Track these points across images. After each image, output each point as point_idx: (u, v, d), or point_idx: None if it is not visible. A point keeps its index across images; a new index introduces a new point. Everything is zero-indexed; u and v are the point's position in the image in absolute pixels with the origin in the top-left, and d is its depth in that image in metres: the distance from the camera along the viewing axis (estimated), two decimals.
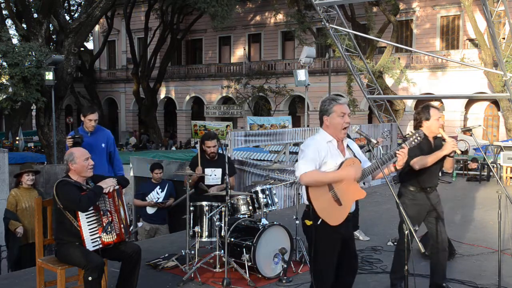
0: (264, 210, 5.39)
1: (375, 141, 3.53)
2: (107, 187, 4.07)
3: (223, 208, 5.09)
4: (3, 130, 29.68)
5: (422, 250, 3.25)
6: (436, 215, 4.57)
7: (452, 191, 11.10)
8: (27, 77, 15.56)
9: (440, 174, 4.93)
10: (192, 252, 5.31)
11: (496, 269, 4.55)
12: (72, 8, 34.19)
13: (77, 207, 3.93)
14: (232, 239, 5.19)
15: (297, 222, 5.64)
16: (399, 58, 25.84)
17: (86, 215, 3.98)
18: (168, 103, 37.62)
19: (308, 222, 3.40)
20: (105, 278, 4.13)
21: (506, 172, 12.15)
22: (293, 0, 25.69)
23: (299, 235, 5.65)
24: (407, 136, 3.61)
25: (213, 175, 5.83)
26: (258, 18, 33.96)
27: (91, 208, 4.00)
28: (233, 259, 5.10)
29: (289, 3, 26.12)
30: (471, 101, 26.43)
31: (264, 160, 14.91)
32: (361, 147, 3.74)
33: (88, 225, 3.98)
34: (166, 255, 5.78)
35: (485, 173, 12.96)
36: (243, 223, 5.39)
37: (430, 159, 4.36)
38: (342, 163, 3.45)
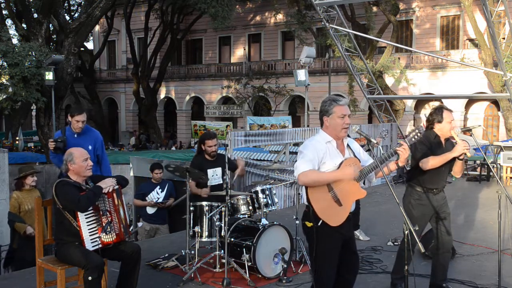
0: (264, 210, 5.39)
1: (375, 141, 3.53)
2: (106, 187, 4.07)
3: (223, 208, 5.09)
4: (3, 130, 29.69)
5: (422, 250, 3.24)
6: (442, 216, 4.56)
7: (452, 191, 11.09)
8: (27, 77, 15.57)
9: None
10: (192, 252, 5.31)
11: (496, 269, 4.54)
12: (72, 8, 34.19)
13: (76, 207, 3.92)
14: (232, 239, 5.19)
15: (297, 222, 5.64)
16: (399, 58, 25.84)
17: (85, 215, 3.98)
18: (168, 103, 37.62)
19: (309, 224, 3.39)
20: (105, 278, 4.13)
21: (506, 172, 12.14)
22: (293, 0, 25.69)
23: (299, 235, 5.65)
24: (407, 133, 3.61)
25: (214, 175, 5.83)
26: (258, 18, 33.96)
27: (91, 208, 4.00)
28: (233, 259, 5.10)
29: (289, 3, 26.12)
30: (471, 101, 26.42)
31: (264, 160, 14.92)
32: (362, 146, 3.73)
33: (88, 225, 3.98)
34: (166, 255, 5.78)
35: (485, 173, 12.96)
36: (243, 223, 5.39)
37: (439, 160, 4.35)
38: (341, 163, 3.45)
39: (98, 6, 17.03)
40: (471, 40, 26.24)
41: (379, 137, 7.72)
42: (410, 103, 26.98)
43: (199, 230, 5.18)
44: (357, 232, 6.70)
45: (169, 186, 7.73)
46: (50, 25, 22.46)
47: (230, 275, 4.94)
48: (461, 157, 4.34)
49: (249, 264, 5.00)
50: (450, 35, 27.83)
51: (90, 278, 3.75)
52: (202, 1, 22.63)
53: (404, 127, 25.34)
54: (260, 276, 5.05)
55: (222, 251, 5.08)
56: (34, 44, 16.27)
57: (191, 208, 5.23)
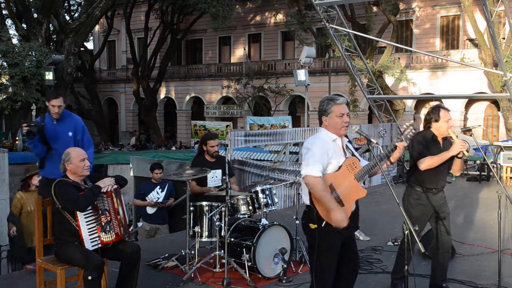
0: (264, 210, 5.39)
1: (375, 141, 3.53)
2: (105, 186, 4.07)
3: (223, 208, 5.09)
4: (3, 130, 29.66)
5: (422, 250, 3.25)
6: (442, 216, 4.56)
7: (452, 191, 11.09)
8: (27, 77, 15.57)
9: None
10: (192, 252, 5.31)
11: (496, 269, 4.54)
12: (72, 8, 34.17)
13: (75, 206, 3.93)
14: (232, 239, 5.19)
15: (297, 222, 5.63)
16: (399, 58, 25.84)
17: (84, 214, 3.98)
18: (168, 103, 37.62)
19: (313, 226, 3.38)
20: (105, 278, 4.13)
21: (506, 172, 12.14)
22: (293, 0, 25.69)
23: (299, 235, 5.65)
24: (402, 129, 3.62)
25: (214, 177, 5.82)
26: (258, 18, 33.96)
27: (90, 207, 4.00)
28: (233, 259, 5.10)
29: (289, 3, 26.12)
30: (471, 101, 26.43)
31: (264, 160, 14.91)
32: (356, 149, 3.72)
33: (87, 225, 3.98)
34: (166, 255, 5.78)
35: (485, 173, 12.96)
36: (243, 223, 5.39)
37: (437, 160, 4.34)
38: (342, 164, 3.45)
39: (98, 6, 17.03)
40: (471, 40, 26.24)
41: (377, 136, 7.72)
42: (410, 103, 26.98)
43: (199, 230, 5.18)
44: (356, 233, 6.68)
45: (169, 186, 7.73)
46: (50, 25, 22.46)
47: (230, 275, 4.94)
48: (459, 156, 4.34)
49: (249, 264, 5.00)
50: (450, 35, 27.83)
51: (90, 277, 3.75)
52: (203, 1, 22.64)
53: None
54: (260, 276, 5.05)
55: (222, 251, 5.08)
56: (34, 44, 16.28)
57: (191, 208, 5.23)
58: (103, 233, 4.00)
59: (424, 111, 26.06)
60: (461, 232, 7.08)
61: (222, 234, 5.08)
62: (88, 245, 3.95)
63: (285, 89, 30.11)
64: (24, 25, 20.07)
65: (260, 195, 5.39)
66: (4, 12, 22.36)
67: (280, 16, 29.17)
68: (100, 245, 4.00)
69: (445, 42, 27.97)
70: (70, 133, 5.32)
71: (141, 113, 34.09)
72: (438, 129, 4.46)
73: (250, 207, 5.38)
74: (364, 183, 3.66)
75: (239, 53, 34.57)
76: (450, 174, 4.67)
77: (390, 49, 23.93)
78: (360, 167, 3.50)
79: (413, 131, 3.53)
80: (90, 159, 5.30)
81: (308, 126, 15.12)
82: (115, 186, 4.18)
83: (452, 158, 4.38)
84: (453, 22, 27.68)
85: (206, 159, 5.87)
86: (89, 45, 40.90)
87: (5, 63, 16.43)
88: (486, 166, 12.64)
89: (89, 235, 3.97)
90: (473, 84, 24.30)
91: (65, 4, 30.29)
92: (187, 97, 35.66)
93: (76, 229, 3.95)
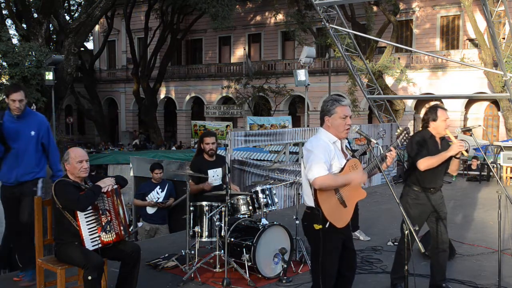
0: (264, 210, 5.39)
1: (375, 141, 3.53)
2: (105, 186, 4.07)
3: (223, 208, 5.09)
4: None
5: (422, 250, 3.25)
6: (439, 215, 4.56)
7: (452, 191, 11.10)
8: (27, 77, 15.56)
9: None
10: (192, 252, 5.31)
11: (496, 269, 4.54)
12: (72, 8, 34.17)
13: (76, 206, 3.93)
14: (232, 239, 5.19)
15: (297, 222, 5.64)
16: (399, 58, 25.83)
17: (85, 214, 3.98)
18: (168, 103, 37.63)
19: (317, 226, 3.38)
20: (105, 278, 4.13)
21: (506, 172, 12.15)
22: (293, 0, 25.69)
23: (299, 235, 5.65)
24: (396, 134, 3.65)
25: (215, 176, 5.82)
26: (258, 18, 33.96)
27: (90, 207, 4.00)
28: (233, 259, 5.10)
29: (289, 3, 26.13)
30: (471, 101, 26.43)
31: (264, 160, 14.91)
32: (353, 151, 3.73)
33: (87, 225, 3.98)
34: (166, 255, 5.78)
35: (485, 173, 12.96)
36: (243, 223, 5.39)
37: (436, 160, 4.34)
38: (345, 165, 3.46)
39: (98, 6, 17.02)
40: (471, 40, 26.24)
41: (375, 137, 7.72)
42: (410, 103, 26.98)
43: (199, 230, 5.18)
44: (356, 233, 6.70)
45: (169, 186, 7.73)
46: (50, 25, 22.44)
47: (230, 275, 4.94)
48: (457, 156, 4.34)
49: (249, 264, 5.00)
50: (450, 35, 27.83)
51: (90, 277, 3.75)
52: (203, 1, 22.63)
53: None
54: (260, 276, 5.05)
55: (222, 251, 5.08)
56: (34, 44, 16.27)
57: (191, 208, 5.23)
58: (104, 233, 4.00)
59: (424, 111, 26.07)
60: (461, 232, 7.08)
61: (222, 234, 5.08)
62: (89, 245, 3.95)
63: (285, 89, 30.11)
64: (24, 25, 20.06)
65: (260, 195, 5.39)
66: (4, 12, 22.34)
67: (280, 16, 29.17)
68: (100, 245, 4.00)
69: (445, 42, 27.98)
70: (33, 132, 4.84)
71: (141, 113, 34.10)
72: (436, 128, 4.47)
73: (250, 207, 5.38)
74: (364, 184, 3.67)
75: (239, 53, 34.57)
76: (449, 174, 4.67)
77: (390, 49, 23.92)
78: (361, 168, 3.51)
79: (406, 137, 3.56)
80: (55, 168, 5.00)
81: (308, 126, 15.12)
82: (116, 186, 4.18)
83: (450, 158, 4.38)
84: (453, 22, 27.69)
85: (205, 158, 5.86)
86: (89, 45, 40.95)
87: (5, 63, 16.42)
88: (486, 166, 12.64)
89: (90, 235, 3.97)
90: (473, 84, 24.30)
91: (65, 4, 30.29)
92: (187, 97, 35.66)
93: (76, 229, 3.95)
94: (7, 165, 4.84)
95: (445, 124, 4.44)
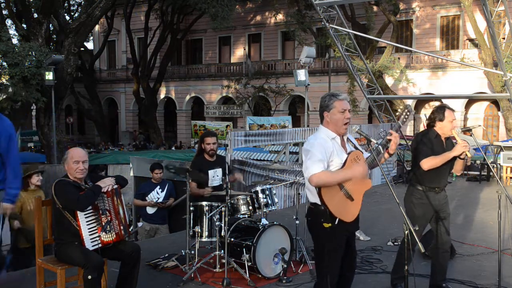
0: (264, 210, 5.39)
1: (375, 141, 3.53)
2: (105, 186, 4.07)
3: (223, 208, 5.09)
4: None
5: (422, 250, 3.24)
6: (442, 216, 4.56)
7: (452, 191, 11.09)
8: (27, 77, 15.56)
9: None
10: (192, 252, 5.30)
11: (496, 269, 4.54)
12: (72, 8, 34.18)
13: (76, 206, 3.93)
14: (232, 239, 5.18)
15: (297, 222, 5.64)
16: (399, 58, 25.84)
17: (85, 214, 3.98)
18: (168, 103, 37.63)
19: (326, 225, 3.36)
20: (105, 278, 4.13)
21: (506, 172, 12.15)
22: (293, 0, 25.69)
23: (299, 235, 5.65)
24: (397, 114, 3.62)
25: (215, 176, 5.83)
26: (258, 18, 33.96)
27: (90, 207, 4.00)
28: (233, 259, 5.10)
29: (289, 3, 26.13)
30: (471, 101, 26.43)
31: (264, 160, 14.90)
32: (369, 141, 3.71)
33: (87, 225, 3.98)
34: (166, 255, 5.78)
35: (485, 173, 12.96)
36: (243, 223, 5.39)
37: (439, 160, 4.34)
38: (346, 158, 3.45)
39: (98, 6, 17.02)
40: (471, 40, 26.24)
41: (375, 138, 7.72)
42: (410, 103, 26.97)
43: (199, 230, 5.18)
44: (357, 233, 6.69)
45: (169, 186, 7.73)
46: (50, 25, 22.44)
47: (230, 275, 4.94)
48: (462, 156, 4.34)
49: (249, 264, 5.00)
50: (450, 35, 27.84)
51: (89, 277, 3.75)
52: (202, 1, 22.63)
53: (404, 127, 25.34)
54: (260, 276, 5.05)
55: (222, 251, 5.08)
56: (34, 44, 16.27)
57: (191, 208, 5.23)
58: (104, 233, 4.00)
59: (424, 111, 26.08)
60: (461, 232, 7.08)
61: (222, 234, 5.07)
62: (89, 245, 3.94)
63: (285, 89, 30.12)
64: (24, 25, 20.06)
65: (260, 195, 5.39)
66: (4, 12, 22.33)
67: (280, 16, 29.18)
68: (100, 245, 3.99)
69: (445, 42, 27.98)
70: None
71: (141, 113, 34.11)
72: (442, 128, 4.46)
73: (250, 207, 5.38)
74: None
75: (239, 53, 34.57)
76: (450, 174, 4.67)
77: (390, 49, 23.94)
78: (364, 160, 3.50)
79: (408, 114, 3.54)
80: (9, 186, 4.08)
81: (308, 126, 15.12)
82: (116, 186, 4.18)
83: (454, 158, 4.38)
84: (453, 22, 27.69)
85: (205, 158, 5.86)
86: (89, 45, 40.96)
87: (5, 63, 16.42)
88: (486, 166, 12.64)
89: (90, 235, 3.97)
90: (473, 84, 24.31)
91: (65, 4, 30.28)
92: (187, 97, 35.66)
93: (76, 229, 3.95)
94: None
95: (452, 125, 4.44)
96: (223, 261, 5.03)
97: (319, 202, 3.40)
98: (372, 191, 10.49)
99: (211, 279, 5.06)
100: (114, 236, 4.06)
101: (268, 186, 5.52)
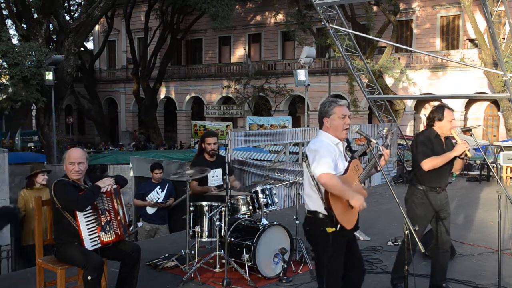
0: (264, 210, 5.39)
1: (375, 141, 3.53)
2: (105, 186, 4.06)
3: (223, 208, 5.09)
4: (3, 130, 29.73)
5: (422, 250, 3.25)
6: (443, 215, 4.56)
7: (452, 191, 11.06)
8: (27, 77, 15.56)
9: None
10: (192, 252, 5.30)
11: (496, 269, 4.54)
12: (72, 8, 34.18)
13: (75, 206, 3.92)
14: (232, 239, 5.18)
15: (297, 222, 5.64)
16: (399, 58, 25.84)
17: (84, 214, 3.98)
18: (168, 103, 37.63)
19: (330, 230, 3.35)
20: (105, 278, 4.13)
21: (506, 172, 12.15)
22: (293, 0, 25.69)
23: (299, 235, 5.65)
24: (382, 135, 3.65)
25: (214, 176, 5.83)
26: (258, 18, 33.96)
27: (89, 207, 3.99)
28: (233, 259, 5.10)
29: (289, 3, 26.12)
30: (471, 101, 26.43)
31: (264, 160, 14.90)
32: (353, 151, 3.72)
33: (87, 225, 3.98)
34: (166, 255, 5.78)
35: (485, 173, 12.96)
36: (243, 223, 5.38)
37: (440, 160, 4.34)
38: (348, 166, 3.45)
39: (98, 6, 17.02)
40: (471, 40, 26.24)
41: (375, 138, 7.70)
42: (410, 103, 26.99)
43: (199, 230, 5.18)
44: (356, 233, 6.66)
45: (169, 186, 7.73)
46: (50, 25, 22.44)
47: (230, 275, 4.94)
48: (462, 156, 4.34)
49: (249, 264, 5.00)
50: (450, 35, 27.84)
51: (89, 277, 3.75)
52: (202, 1, 22.62)
53: (404, 127, 25.35)
54: (260, 276, 5.05)
55: (222, 251, 5.08)
56: (34, 44, 16.27)
57: (191, 208, 5.23)
58: (103, 233, 4.00)
59: (424, 111, 26.08)
60: (461, 232, 7.07)
61: (222, 234, 5.07)
62: (88, 245, 3.94)
63: (285, 89, 30.12)
64: (24, 25, 20.05)
65: (260, 195, 5.39)
66: (4, 12, 22.34)
67: (280, 16, 29.18)
68: (100, 245, 3.99)
69: (445, 42, 27.98)
70: None
71: (141, 113, 34.10)
72: (441, 128, 4.46)
73: (250, 207, 5.37)
74: (364, 183, 3.67)
75: (239, 53, 34.57)
76: (450, 173, 4.67)
77: (390, 49, 23.93)
78: (362, 169, 3.51)
79: (392, 135, 3.57)
80: None
81: (308, 126, 15.12)
82: (115, 186, 4.17)
83: (454, 158, 4.38)
84: (453, 22, 27.69)
85: (205, 158, 5.86)
86: (89, 45, 40.96)
87: (5, 63, 16.42)
88: (486, 166, 12.64)
89: (89, 235, 3.97)
90: (473, 84, 24.31)
91: (65, 4, 30.28)
92: (187, 97, 35.66)
93: (76, 229, 3.95)
94: None
95: (451, 125, 4.43)
96: (223, 261, 5.03)
97: (319, 210, 3.40)
98: (372, 191, 10.50)
99: (211, 279, 5.06)
100: (114, 236, 4.05)
101: (268, 186, 5.52)
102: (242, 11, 33.20)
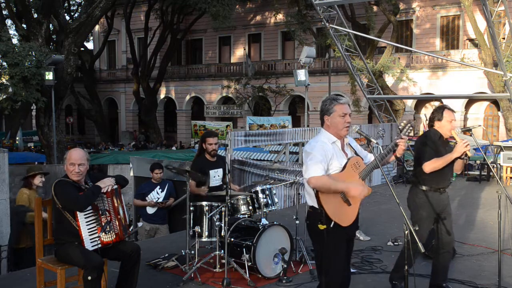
0: (264, 210, 5.39)
1: (375, 141, 3.53)
2: (105, 186, 4.06)
3: (223, 208, 5.09)
4: (3, 130, 29.75)
5: (422, 250, 3.25)
6: (444, 216, 4.56)
7: (452, 191, 11.07)
8: (27, 77, 15.57)
9: None
10: (192, 252, 5.30)
11: (496, 269, 4.54)
12: (72, 8, 34.18)
13: (75, 206, 3.92)
14: (232, 239, 5.18)
15: (297, 222, 5.64)
16: (399, 58, 25.84)
17: (84, 214, 3.98)
18: (168, 103, 37.62)
19: (321, 227, 3.37)
20: (105, 278, 4.13)
21: (506, 172, 12.14)
22: (293, 0, 25.69)
23: (299, 235, 5.65)
24: (400, 127, 3.63)
25: (216, 176, 5.83)
26: (258, 18, 33.96)
27: (90, 207, 4.00)
28: (233, 259, 5.10)
29: (289, 3, 26.12)
30: (471, 101, 26.43)
31: (264, 160, 14.90)
32: (369, 141, 3.72)
33: (87, 225, 3.98)
34: (166, 255, 5.78)
35: (485, 173, 12.95)
36: (243, 223, 5.38)
37: (441, 162, 4.33)
38: (346, 163, 3.45)
39: (98, 6, 17.03)
40: (471, 40, 26.24)
41: (374, 137, 7.70)
42: (410, 103, 26.98)
43: (199, 230, 5.18)
44: (357, 233, 6.69)
45: (169, 186, 7.73)
46: (50, 25, 22.45)
47: (230, 275, 4.94)
48: (462, 157, 4.33)
49: (249, 264, 5.00)
50: (450, 35, 27.84)
51: (89, 278, 3.75)
52: (203, 0, 22.63)
53: None
54: (260, 276, 5.05)
55: (222, 251, 5.08)
56: (34, 44, 16.28)
57: (191, 208, 5.23)
58: (103, 233, 4.00)
59: (424, 111, 26.07)
60: (461, 232, 7.07)
61: (222, 234, 5.07)
62: (88, 245, 3.94)
63: (285, 89, 30.12)
64: (24, 25, 20.06)
65: (260, 195, 5.39)
66: (4, 12, 22.34)
67: (280, 16, 29.17)
68: (100, 245, 3.99)
69: (445, 42, 27.98)
70: None
71: (141, 113, 34.10)
72: (441, 128, 4.45)
73: (250, 207, 5.38)
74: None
75: (239, 53, 34.57)
76: (451, 173, 4.67)
77: (390, 49, 23.93)
78: (364, 166, 3.51)
79: (411, 128, 3.55)
80: None
81: (308, 126, 15.12)
82: (116, 186, 4.17)
83: (455, 158, 4.38)
84: (453, 22, 27.69)
85: (206, 158, 5.86)
86: (89, 45, 40.96)
87: (5, 63, 16.43)
88: (486, 166, 12.63)
89: (89, 235, 3.97)
90: (473, 84, 24.31)
91: (65, 4, 30.28)
92: (187, 97, 35.66)
93: (76, 229, 3.95)
94: None
95: (451, 125, 4.42)
96: (223, 261, 5.03)
97: (316, 205, 3.41)
98: (372, 191, 10.47)
99: (211, 279, 5.06)
100: (114, 236, 4.06)
101: (268, 186, 5.52)
102: (242, 11, 33.19)
